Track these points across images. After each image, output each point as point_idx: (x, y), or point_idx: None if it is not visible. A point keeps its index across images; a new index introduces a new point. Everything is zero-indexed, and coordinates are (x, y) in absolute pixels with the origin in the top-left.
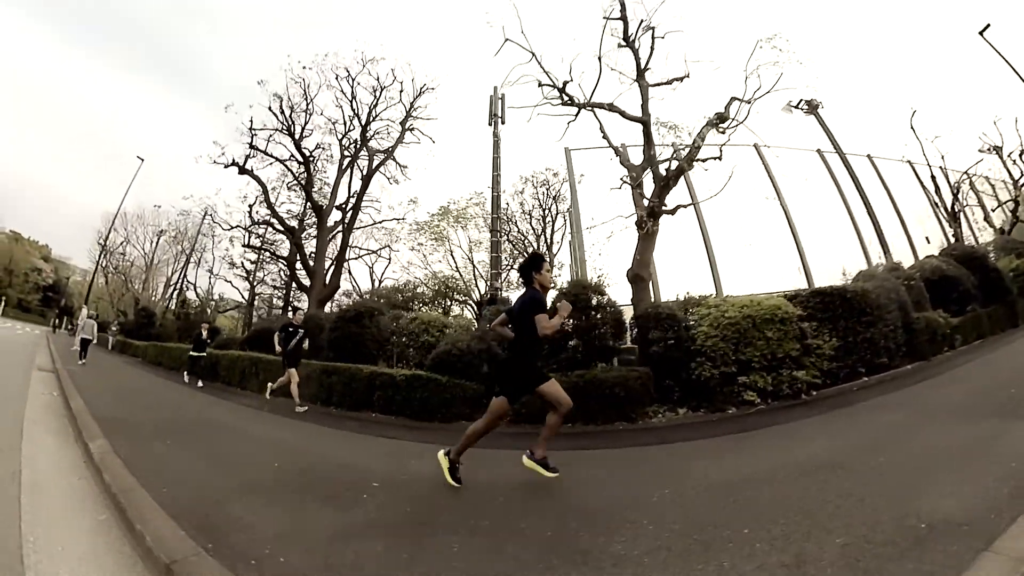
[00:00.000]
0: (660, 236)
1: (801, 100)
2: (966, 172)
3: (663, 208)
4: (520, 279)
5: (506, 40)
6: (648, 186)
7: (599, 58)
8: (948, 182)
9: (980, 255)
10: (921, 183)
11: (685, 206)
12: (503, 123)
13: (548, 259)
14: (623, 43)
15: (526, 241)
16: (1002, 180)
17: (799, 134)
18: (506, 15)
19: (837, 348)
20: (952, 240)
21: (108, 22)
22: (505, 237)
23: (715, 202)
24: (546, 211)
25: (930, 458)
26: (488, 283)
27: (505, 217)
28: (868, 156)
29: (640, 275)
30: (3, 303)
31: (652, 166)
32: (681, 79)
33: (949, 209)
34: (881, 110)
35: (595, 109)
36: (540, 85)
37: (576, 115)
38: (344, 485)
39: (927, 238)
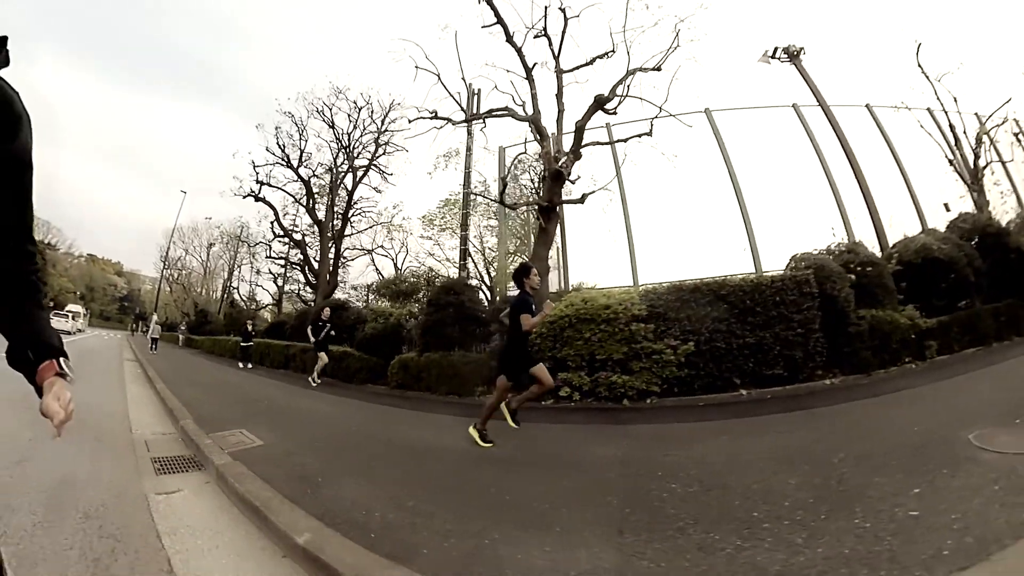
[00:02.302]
0: (602, 223)
1: (777, 48)
2: (1004, 115)
3: (556, 201)
4: (514, 283)
5: (417, 68)
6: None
7: (463, 78)
8: (981, 127)
9: (998, 230)
10: (943, 135)
11: (588, 194)
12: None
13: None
14: (509, 43)
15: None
16: None
17: (799, 92)
18: (413, 45)
19: (700, 354)
20: (978, 208)
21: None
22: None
23: (671, 178)
24: None
25: None
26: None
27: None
28: (867, 106)
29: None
30: (89, 315)
31: (548, 163)
32: (607, 55)
33: (971, 167)
34: (885, 51)
35: (489, 118)
36: (414, 120)
37: (483, 124)
38: (253, 403)
39: (946, 205)
